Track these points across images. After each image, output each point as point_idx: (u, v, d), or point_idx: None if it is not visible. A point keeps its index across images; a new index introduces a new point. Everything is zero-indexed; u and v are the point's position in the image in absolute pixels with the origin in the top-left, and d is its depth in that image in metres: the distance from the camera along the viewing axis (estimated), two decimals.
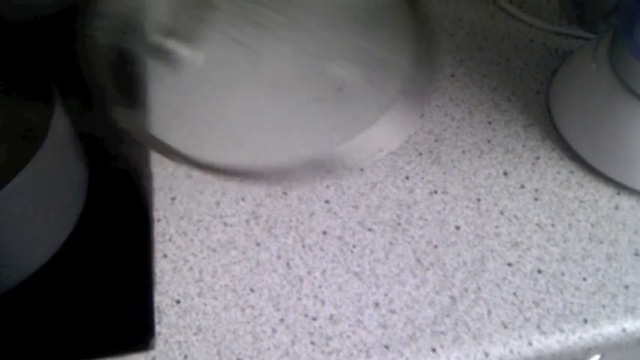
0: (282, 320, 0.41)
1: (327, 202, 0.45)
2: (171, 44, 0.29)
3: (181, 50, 0.30)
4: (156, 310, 0.41)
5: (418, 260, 0.43)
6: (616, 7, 0.55)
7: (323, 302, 0.42)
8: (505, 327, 0.41)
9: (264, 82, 0.34)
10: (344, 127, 0.33)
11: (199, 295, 0.42)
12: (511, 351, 0.41)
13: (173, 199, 0.47)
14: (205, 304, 0.42)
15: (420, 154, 0.49)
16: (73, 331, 0.40)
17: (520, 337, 0.41)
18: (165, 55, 0.30)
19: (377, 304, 0.42)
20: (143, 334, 0.40)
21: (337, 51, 0.34)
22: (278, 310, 0.42)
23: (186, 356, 0.40)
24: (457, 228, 0.45)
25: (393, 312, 0.41)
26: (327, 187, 0.46)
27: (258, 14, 0.34)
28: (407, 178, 0.47)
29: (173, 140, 0.32)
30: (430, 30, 0.34)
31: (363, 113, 0.34)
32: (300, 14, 0.34)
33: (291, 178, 0.35)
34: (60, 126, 0.42)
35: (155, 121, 0.33)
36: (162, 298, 0.42)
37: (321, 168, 0.33)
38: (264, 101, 0.34)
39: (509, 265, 0.44)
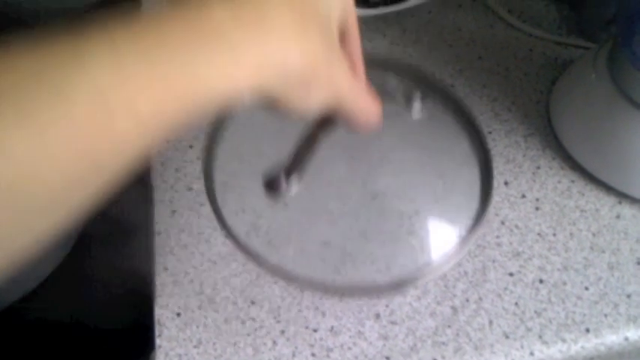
0: (282, 332, 0.41)
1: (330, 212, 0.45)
2: (282, 178, 0.36)
3: (290, 184, 0.36)
4: (156, 323, 0.41)
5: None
6: (615, 16, 0.55)
7: (324, 314, 0.42)
8: (507, 337, 0.41)
9: (351, 211, 0.40)
10: (410, 253, 0.39)
11: (200, 307, 0.42)
12: None
13: (174, 212, 0.47)
14: (206, 317, 0.42)
15: None
16: (74, 346, 0.40)
17: (522, 347, 0.41)
18: (276, 187, 0.36)
19: (378, 316, 0.41)
20: (144, 348, 0.40)
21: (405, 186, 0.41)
22: (279, 322, 0.42)
23: None
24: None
25: (394, 323, 0.41)
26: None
27: (356, 149, 0.41)
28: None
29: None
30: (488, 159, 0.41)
31: (424, 241, 0.40)
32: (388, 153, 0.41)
33: (369, 295, 0.40)
34: None
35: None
36: (163, 311, 0.42)
37: (399, 287, 0.39)
38: (350, 227, 0.39)
39: (511, 274, 0.44)
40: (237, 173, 0.41)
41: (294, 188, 0.36)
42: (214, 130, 0.41)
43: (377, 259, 0.39)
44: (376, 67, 0.41)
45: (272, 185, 0.36)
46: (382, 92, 0.37)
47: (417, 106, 0.41)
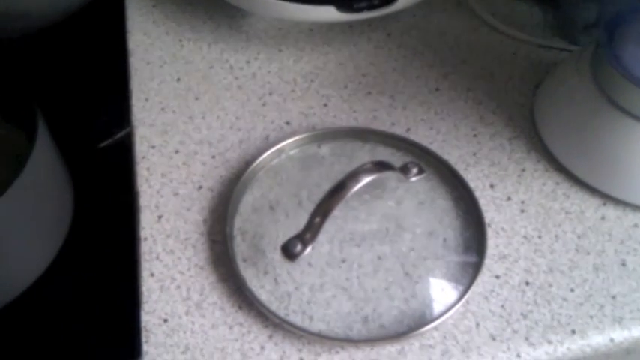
0: (270, 337, 0.41)
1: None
2: (297, 245, 0.41)
3: (305, 248, 0.41)
4: (143, 329, 0.41)
5: (406, 274, 0.43)
6: (597, 20, 0.55)
7: (311, 318, 0.41)
8: (493, 339, 0.41)
9: (369, 272, 0.44)
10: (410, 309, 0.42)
11: (187, 313, 0.42)
12: None
13: (160, 217, 0.46)
14: (193, 323, 0.42)
15: None
16: (60, 352, 0.40)
17: (508, 349, 0.41)
18: (292, 251, 0.41)
19: (366, 319, 0.42)
20: (130, 354, 0.40)
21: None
22: (266, 326, 0.41)
23: None
24: (444, 240, 0.45)
25: (382, 326, 0.41)
26: (309, 197, 0.46)
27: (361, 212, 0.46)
28: (392, 194, 0.47)
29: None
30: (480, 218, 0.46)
31: (425, 298, 0.43)
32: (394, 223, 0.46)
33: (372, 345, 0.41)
34: (44, 147, 0.41)
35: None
36: (150, 317, 0.42)
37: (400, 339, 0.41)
38: (359, 284, 0.43)
39: (497, 277, 0.44)
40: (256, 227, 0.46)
41: (307, 250, 0.41)
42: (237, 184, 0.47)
43: (382, 314, 0.42)
44: (367, 139, 0.50)
45: (288, 249, 0.41)
46: (378, 161, 0.44)
47: (413, 171, 0.46)
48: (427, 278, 0.43)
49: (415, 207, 0.46)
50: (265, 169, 0.48)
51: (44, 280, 0.42)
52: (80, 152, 0.53)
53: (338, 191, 0.41)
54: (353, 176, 0.42)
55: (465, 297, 0.42)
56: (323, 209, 0.41)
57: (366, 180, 0.42)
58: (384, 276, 0.43)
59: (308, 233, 0.41)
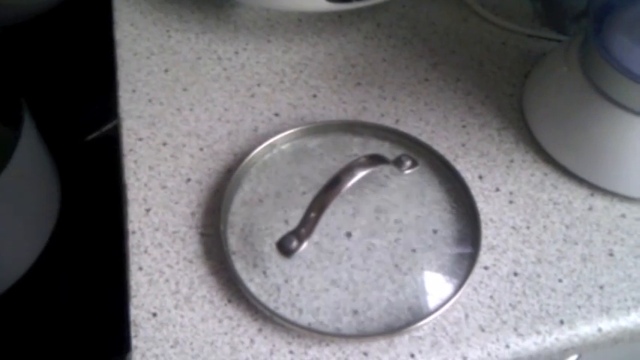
0: (260, 330, 0.41)
1: (302, 207, 0.45)
2: (294, 239, 0.41)
3: (301, 244, 0.41)
4: (132, 323, 0.41)
5: (396, 265, 0.43)
6: (586, 9, 0.55)
7: (301, 311, 0.41)
8: (482, 330, 0.42)
9: (359, 264, 0.44)
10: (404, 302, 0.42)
11: (176, 307, 0.42)
12: (489, 354, 0.41)
13: (148, 210, 0.46)
14: (182, 317, 0.41)
15: None
16: (48, 347, 0.40)
17: (497, 340, 0.41)
18: (287, 248, 0.41)
19: (355, 312, 0.42)
20: (119, 349, 0.40)
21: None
22: (256, 320, 0.41)
23: None
24: (434, 232, 0.45)
25: (371, 319, 0.41)
26: (303, 192, 0.46)
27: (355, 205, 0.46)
28: (382, 186, 0.47)
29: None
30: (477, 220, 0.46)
31: (419, 291, 0.43)
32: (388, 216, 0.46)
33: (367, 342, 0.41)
34: (29, 140, 0.41)
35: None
36: (139, 311, 0.41)
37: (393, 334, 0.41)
38: (353, 276, 0.43)
39: (486, 268, 0.44)
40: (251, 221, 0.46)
41: (303, 246, 0.41)
42: (232, 178, 0.46)
43: (372, 306, 0.42)
44: (358, 132, 0.50)
45: (284, 245, 0.41)
46: (372, 154, 0.44)
47: (406, 164, 0.46)
48: (420, 271, 0.43)
49: (406, 199, 0.47)
50: (257, 164, 0.48)
51: (32, 274, 0.42)
52: (67, 145, 0.52)
53: (333, 186, 0.41)
54: (348, 170, 0.42)
55: (461, 290, 0.42)
56: (318, 204, 0.41)
57: (361, 174, 0.42)
58: (374, 268, 0.43)
59: (303, 229, 0.41)
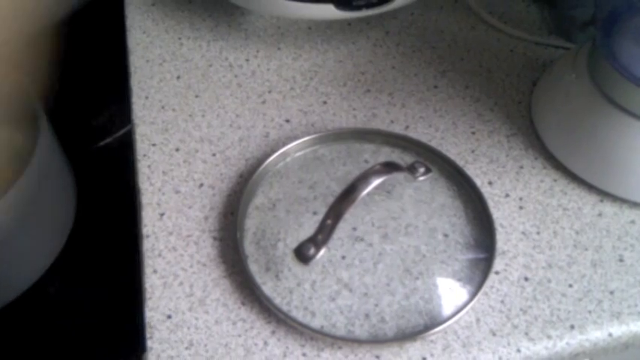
0: (273, 333, 0.41)
1: (314, 213, 0.46)
2: (310, 249, 0.41)
3: (318, 251, 0.41)
4: (147, 325, 0.41)
5: (408, 270, 0.44)
6: (593, 17, 0.56)
7: (313, 314, 0.42)
8: (494, 334, 0.42)
9: (370, 269, 0.44)
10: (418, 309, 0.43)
11: (190, 309, 0.42)
12: (500, 358, 0.41)
13: (162, 214, 0.47)
14: (197, 319, 0.42)
15: None
16: (64, 349, 0.40)
17: (508, 344, 0.42)
18: (305, 255, 0.41)
19: (367, 315, 0.42)
20: (135, 350, 0.40)
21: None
22: (269, 322, 0.42)
23: None
24: (446, 237, 0.46)
25: (383, 322, 0.42)
26: (315, 198, 0.46)
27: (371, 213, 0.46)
28: (393, 191, 0.48)
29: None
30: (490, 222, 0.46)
31: (433, 298, 0.43)
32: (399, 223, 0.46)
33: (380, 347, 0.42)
34: (46, 145, 0.42)
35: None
36: (154, 313, 0.42)
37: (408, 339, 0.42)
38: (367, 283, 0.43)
39: (497, 273, 0.45)
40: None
41: (320, 253, 0.41)
42: (248, 184, 0.47)
43: (384, 309, 0.42)
44: (370, 139, 0.51)
45: (301, 253, 0.41)
46: (386, 162, 0.45)
47: (420, 170, 0.47)
48: (432, 275, 0.44)
49: (417, 204, 0.47)
50: (270, 172, 0.49)
51: (48, 277, 0.42)
52: (81, 150, 0.53)
53: (349, 194, 0.42)
54: (363, 178, 0.42)
55: (477, 296, 0.42)
56: (335, 212, 0.42)
57: (377, 182, 0.42)
58: (386, 272, 0.43)
59: (320, 236, 0.41)
